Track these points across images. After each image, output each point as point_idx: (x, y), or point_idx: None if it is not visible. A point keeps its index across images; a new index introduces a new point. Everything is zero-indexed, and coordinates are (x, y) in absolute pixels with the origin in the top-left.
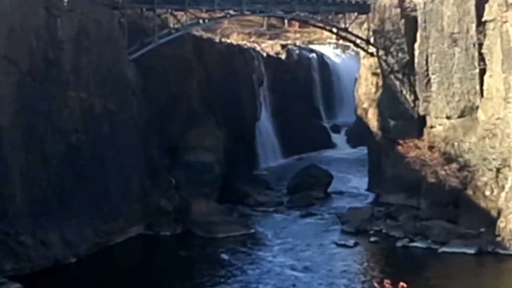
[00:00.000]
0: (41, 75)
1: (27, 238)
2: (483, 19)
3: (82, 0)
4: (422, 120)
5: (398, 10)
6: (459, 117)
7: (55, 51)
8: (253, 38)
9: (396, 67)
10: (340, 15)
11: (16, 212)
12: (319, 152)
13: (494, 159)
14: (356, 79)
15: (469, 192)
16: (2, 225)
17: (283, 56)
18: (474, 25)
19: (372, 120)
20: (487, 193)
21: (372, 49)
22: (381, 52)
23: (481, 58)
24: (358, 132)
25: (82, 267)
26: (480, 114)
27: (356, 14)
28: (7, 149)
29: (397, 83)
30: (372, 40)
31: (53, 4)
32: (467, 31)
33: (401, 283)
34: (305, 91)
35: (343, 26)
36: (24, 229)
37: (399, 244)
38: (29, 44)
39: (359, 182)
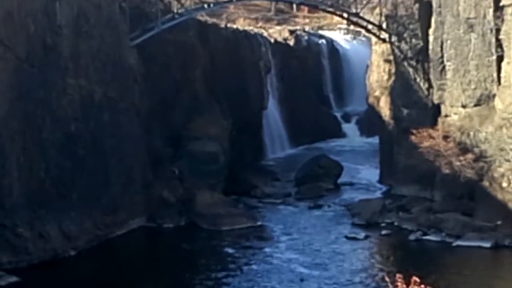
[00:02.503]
0: (39, 61)
1: (24, 230)
2: (501, 4)
3: None
4: (436, 109)
5: None
6: (475, 105)
7: (53, 36)
8: (260, 24)
9: (409, 54)
10: (352, 0)
11: (13, 203)
12: (328, 142)
13: (511, 150)
14: (367, 66)
15: (485, 183)
16: (0, 217)
17: (291, 42)
18: (491, 10)
19: (384, 108)
20: (504, 184)
21: (384, 35)
22: (393, 38)
23: (499, 44)
24: (370, 121)
25: (81, 260)
26: (497, 103)
27: None
28: (4, 138)
29: (411, 70)
30: (384, 25)
31: None
32: (484, 16)
33: (414, 278)
34: (314, 78)
35: (354, 11)
36: (21, 221)
37: (411, 237)
38: (26, 29)
39: (370, 173)
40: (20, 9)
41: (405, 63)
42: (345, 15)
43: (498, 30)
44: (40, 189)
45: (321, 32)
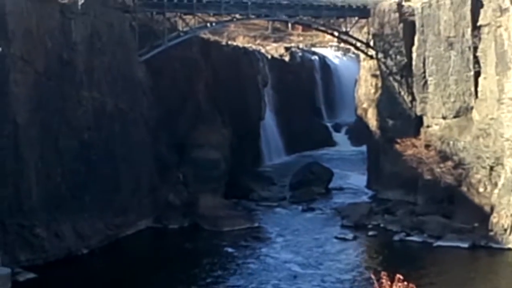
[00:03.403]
0: (56, 75)
1: (41, 230)
2: (478, 24)
3: (95, 3)
4: (419, 120)
5: (397, 14)
6: (455, 117)
7: (69, 52)
8: (258, 41)
9: (394, 69)
10: (342, 19)
11: (31, 205)
12: (320, 150)
13: (487, 158)
14: (356, 81)
15: (464, 188)
16: (18, 218)
17: (286, 58)
18: (469, 29)
19: (372, 119)
20: (481, 189)
21: (371, 52)
22: (380, 55)
23: (476, 61)
24: (358, 131)
25: (93, 258)
26: (475, 115)
27: (356, 18)
28: (23, 146)
29: (396, 84)
30: (371, 43)
31: (68, 7)
32: (463, 35)
33: (398, 276)
34: (308, 91)
35: (344, 29)
36: (39, 221)
37: (396, 238)
38: (44, 45)
39: (358, 179)
40: (39, 27)
41: (391, 78)
42: (335, 33)
43: (475, 48)
44: (56, 193)
45: (314, 49)
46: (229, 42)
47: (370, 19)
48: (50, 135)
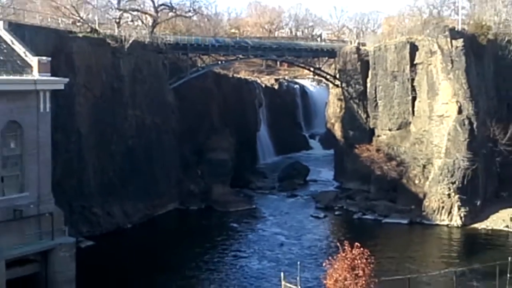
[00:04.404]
0: (109, 98)
1: (98, 210)
2: (415, 62)
3: (137, 46)
4: (371, 131)
5: (356, 55)
6: (397, 129)
7: (118, 82)
8: (255, 74)
9: (354, 95)
10: (316, 59)
11: (90, 192)
12: (300, 153)
13: (421, 159)
14: (326, 103)
15: (404, 181)
16: (81, 201)
17: (276, 87)
18: (408, 66)
19: (337, 131)
20: (416, 182)
21: (337, 82)
22: (344, 84)
23: (413, 88)
24: (328, 139)
25: (135, 230)
26: (412, 127)
27: (327, 58)
28: (85, 149)
29: (355, 106)
30: (337, 76)
31: (117, 49)
32: (403, 70)
33: (356, 244)
34: (291, 110)
35: (317, 66)
36: (96, 204)
37: (355, 216)
38: (100, 77)
39: (328, 173)
40: (96, 63)
41: (351, 101)
42: (311, 69)
43: (412, 79)
44: (108, 183)
45: (295, 80)
46: (234, 75)
47: (336, 58)
48: (104, 142)
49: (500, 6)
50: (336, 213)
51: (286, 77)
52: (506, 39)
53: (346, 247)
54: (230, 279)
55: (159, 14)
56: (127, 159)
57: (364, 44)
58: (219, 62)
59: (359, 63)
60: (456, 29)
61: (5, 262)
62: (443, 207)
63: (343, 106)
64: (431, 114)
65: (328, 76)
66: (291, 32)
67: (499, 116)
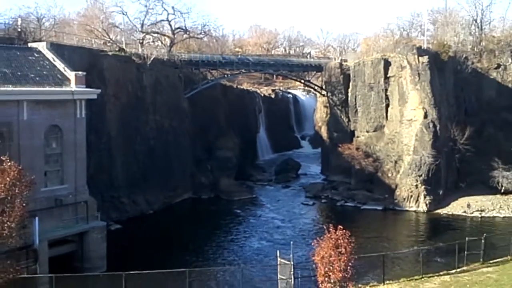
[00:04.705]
0: (134, 106)
1: (125, 199)
2: (388, 75)
3: (157, 63)
4: (352, 133)
5: (339, 70)
6: (374, 131)
7: (141, 92)
8: (255, 85)
9: (337, 103)
10: (306, 73)
11: (118, 184)
12: (293, 151)
13: (393, 156)
14: (314, 110)
15: (379, 174)
16: (111, 192)
17: (273, 96)
18: (382, 79)
19: (324, 132)
20: (389, 175)
21: (324, 92)
22: (329, 94)
23: (387, 97)
24: (316, 139)
25: (156, 216)
26: (386, 130)
27: (315, 72)
28: (114, 149)
29: (338, 111)
30: (324, 86)
31: (141, 65)
32: (379, 82)
33: (339, 226)
34: (285, 116)
35: (307, 78)
36: (123, 194)
37: (338, 204)
38: (126, 88)
39: (316, 168)
40: (124, 77)
41: (335, 108)
42: (302, 81)
43: (386, 90)
44: (133, 177)
45: (289, 90)
46: (238, 86)
47: (323, 72)
48: (130, 142)
49: (459, 29)
50: (323, 201)
51: (281, 88)
52: (464, 56)
53: (331, 229)
54: (234, 255)
55: (175, 36)
56: (149, 157)
57: (346, 61)
58: (225, 76)
59: (341, 76)
60: (422, 47)
61: (48, 242)
62: (411, 196)
63: (329, 112)
64: (402, 119)
65: (316, 87)
66: (285, 50)
67: (458, 120)
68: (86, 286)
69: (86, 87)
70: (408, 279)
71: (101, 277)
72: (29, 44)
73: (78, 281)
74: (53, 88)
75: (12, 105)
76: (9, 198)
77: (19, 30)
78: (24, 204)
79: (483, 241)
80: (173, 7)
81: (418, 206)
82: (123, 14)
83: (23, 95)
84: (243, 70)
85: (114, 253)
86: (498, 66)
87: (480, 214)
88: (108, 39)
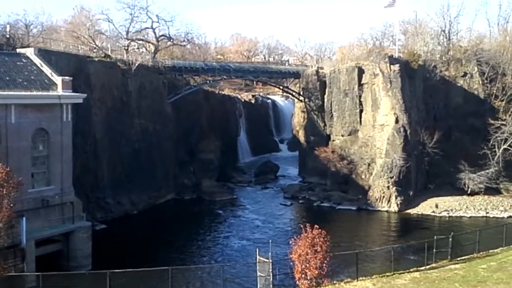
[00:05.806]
0: (119, 110)
1: (110, 200)
2: (362, 82)
3: (142, 69)
4: (328, 137)
5: (316, 77)
6: (348, 135)
7: (126, 97)
8: (236, 91)
9: (314, 108)
10: (284, 79)
11: (103, 185)
12: (272, 154)
13: (367, 158)
14: (292, 114)
15: (353, 176)
16: (96, 193)
17: (253, 101)
18: (356, 86)
19: (301, 136)
20: (363, 176)
21: (301, 98)
22: (306, 100)
23: (360, 103)
24: (293, 143)
25: (140, 216)
26: (360, 134)
27: (293, 78)
28: (99, 151)
29: (315, 116)
30: (301, 93)
31: (126, 71)
32: (353, 89)
33: (315, 226)
34: (265, 120)
35: (286, 85)
36: (108, 194)
37: (315, 204)
38: (112, 92)
39: (293, 170)
40: (109, 82)
41: (312, 113)
42: (281, 87)
43: (360, 96)
44: (118, 178)
45: (268, 96)
46: (220, 92)
47: (300, 79)
48: (115, 145)
49: (428, 39)
50: (300, 201)
51: (261, 94)
52: (433, 64)
53: (307, 229)
54: (216, 252)
55: (159, 43)
56: (133, 159)
57: (322, 68)
58: (208, 82)
59: (318, 83)
60: (394, 56)
61: (35, 241)
62: (383, 197)
63: (306, 116)
64: (374, 123)
65: (294, 93)
66: (265, 58)
67: (427, 125)
68: (72, 284)
69: (73, 91)
70: (380, 275)
71: (86, 275)
72: (18, 50)
73: (64, 279)
74: (40, 93)
75: (0, 109)
76: None
77: (7, 36)
78: (11, 205)
79: (450, 239)
80: (157, 15)
81: (389, 206)
82: (109, 21)
83: (11, 99)
84: (224, 77)
85: (99, 252)
86: (465, 74)
87: (448, 214)
88: (94, 46)
